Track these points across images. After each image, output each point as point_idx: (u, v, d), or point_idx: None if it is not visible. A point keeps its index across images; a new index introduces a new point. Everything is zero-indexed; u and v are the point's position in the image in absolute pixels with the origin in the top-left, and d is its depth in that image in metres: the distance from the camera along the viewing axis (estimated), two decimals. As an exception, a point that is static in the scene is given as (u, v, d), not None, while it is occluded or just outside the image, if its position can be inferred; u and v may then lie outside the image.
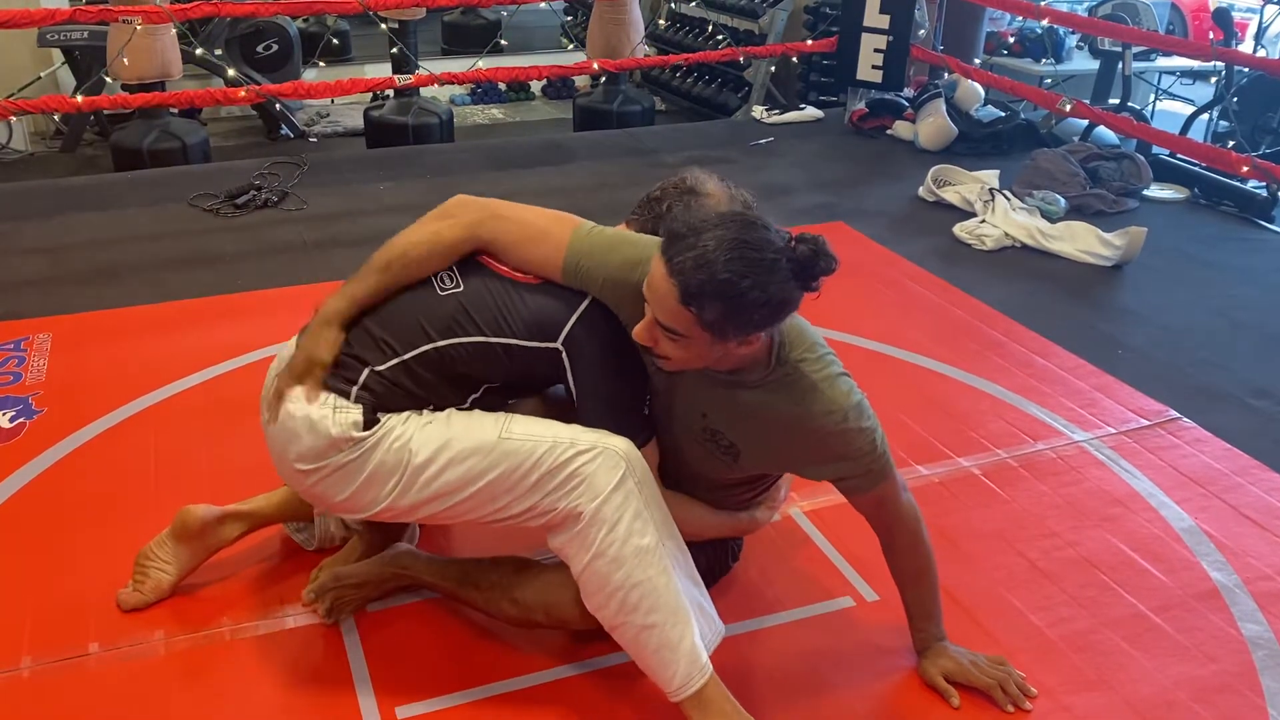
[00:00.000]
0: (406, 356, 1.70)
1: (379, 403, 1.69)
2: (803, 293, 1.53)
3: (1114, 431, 2.74)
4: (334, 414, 1.67)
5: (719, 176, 1.91)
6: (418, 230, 1.75)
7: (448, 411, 1.73)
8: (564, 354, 1.71)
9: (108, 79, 4.79)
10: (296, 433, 1.69)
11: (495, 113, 7.46)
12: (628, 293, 1.68)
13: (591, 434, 1.70)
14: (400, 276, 1.73)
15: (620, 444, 1.69)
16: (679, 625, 1.66)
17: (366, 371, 1.70)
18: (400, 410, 1.71)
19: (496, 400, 1.79)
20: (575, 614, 1.77)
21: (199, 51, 5.12)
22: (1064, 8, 6.32)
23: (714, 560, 2.05)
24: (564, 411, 1.79)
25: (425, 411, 1.72)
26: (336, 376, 1.70)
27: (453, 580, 1.96)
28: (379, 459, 1.68)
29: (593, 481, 1.65)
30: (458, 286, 1.73)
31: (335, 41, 7.03)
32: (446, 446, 1.68)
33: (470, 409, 1.76)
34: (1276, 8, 5.37)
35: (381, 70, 5.87)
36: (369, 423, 1.68)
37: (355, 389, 1.69)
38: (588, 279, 1.71)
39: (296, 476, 1.74)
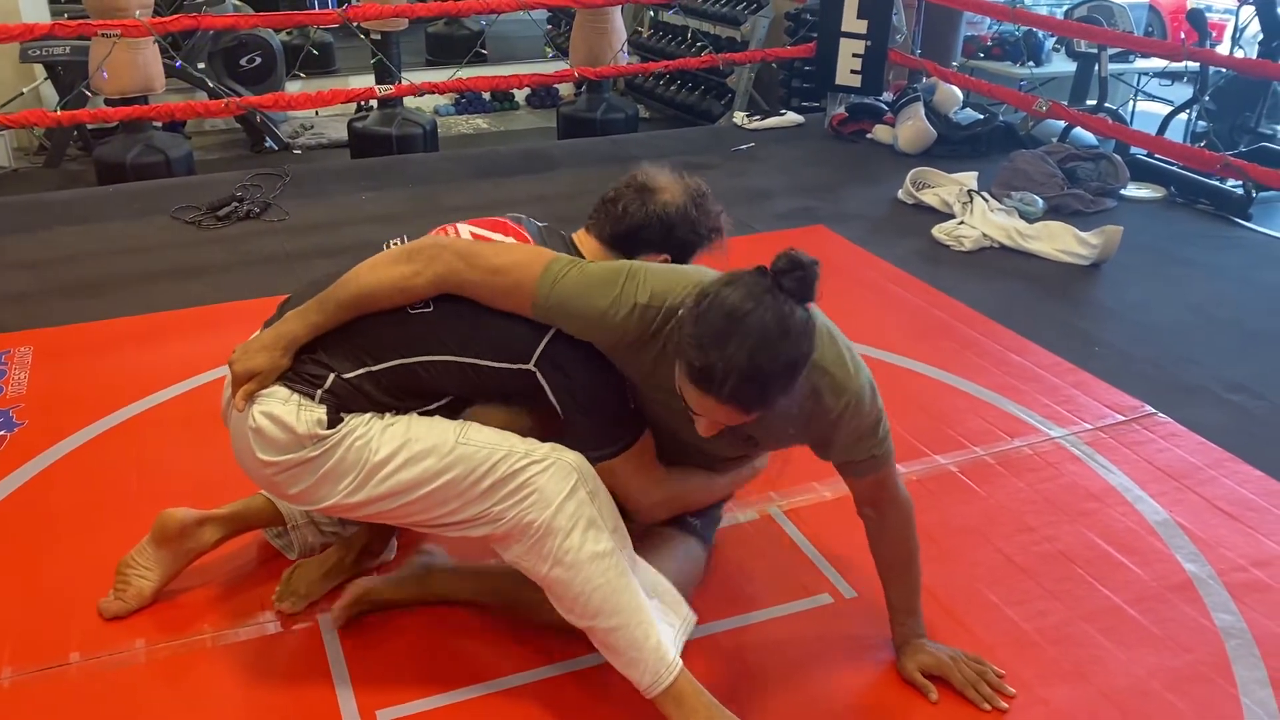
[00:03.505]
0: (375, 368, 1.73)
1: (341, 404, 1.72)
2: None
3: (1090, 427, 2.77)
4: (299, 411, 1.70)
5: (669, 169, 1.95)
6: (386, 270, 1.71)
7: (409, 415, 1.76)
8: (538, 374, 1.73)
9: (90, 93, 4.80)
10: (261, 427, 1.71)
11: (480, 122, 7.49)
12: (599, 334, 1.70)
13: (545, 447, 1.72)
14: (364, 312, 1.74)
15: (572, 457, 1.72)
16: (643, 625, 1.68)
17: (333, 377, 1.72)
18: (362, 412, 1.73)
19: (459, 408, 1.80)
20: None
21: (180, 65, 5.13)
22: (1043, 10, 6.37)
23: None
24: (524, 413, 1.80)
25: (388, 414, 1.75)
26: (302, 379, 1.73)
27: (488, 596, 2.00)
28: (340, 455, 1.71)
29: (544, 492, 1.67)
30: (427, 307, 1.74)
31: (317, 54, 7.04)
32: (404, 447, 1.71)
33: (433, 414, 1.78)
34: (1252, 9, 5.41)
35: (365, 82, 5.87)
36: (332, 422, 1.70)
37: (320, 391, 1.72)
38: (558, 322, 1.71)
39: (256, 465, 1.76)
